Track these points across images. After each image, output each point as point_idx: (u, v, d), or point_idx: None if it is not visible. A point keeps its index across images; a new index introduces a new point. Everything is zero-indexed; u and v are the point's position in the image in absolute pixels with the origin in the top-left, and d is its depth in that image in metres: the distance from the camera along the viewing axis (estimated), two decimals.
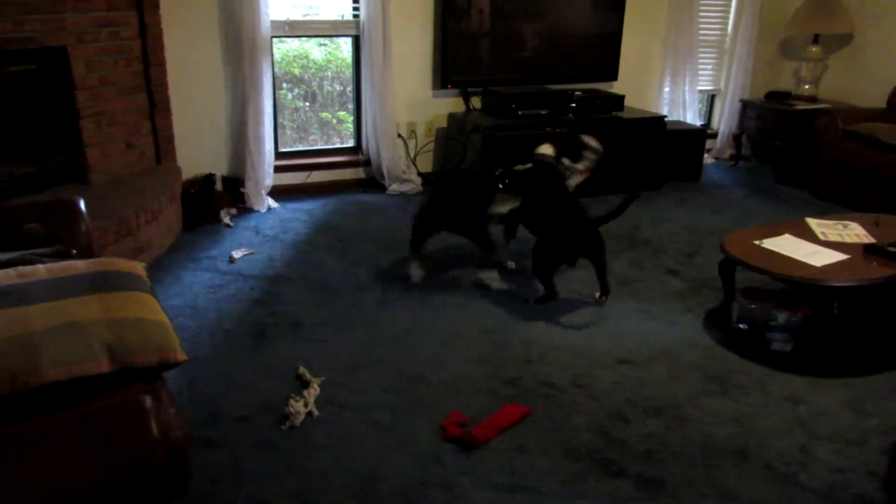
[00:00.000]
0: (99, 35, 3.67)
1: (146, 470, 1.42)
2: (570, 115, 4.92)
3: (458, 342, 2.97)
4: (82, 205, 2.42)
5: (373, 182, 5.01)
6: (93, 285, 1.92)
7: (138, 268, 2.17)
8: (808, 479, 2.20)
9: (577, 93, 5.00)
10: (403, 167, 5.02)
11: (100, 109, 3.75)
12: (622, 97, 5.10)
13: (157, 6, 3.96)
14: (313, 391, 2.54)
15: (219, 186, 4.54)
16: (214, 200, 4.39)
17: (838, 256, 2.99)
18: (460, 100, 5.11)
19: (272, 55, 4.54)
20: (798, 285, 2.91)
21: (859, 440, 2.39)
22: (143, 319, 1.81)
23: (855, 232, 3.29)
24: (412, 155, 5.11)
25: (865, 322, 3.24)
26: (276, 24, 4.47)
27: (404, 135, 5.04)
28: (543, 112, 4.84)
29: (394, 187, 4.93)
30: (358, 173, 5.08)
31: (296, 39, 4.91)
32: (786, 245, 3.10)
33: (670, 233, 4.32)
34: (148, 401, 1.47)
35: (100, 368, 1.74)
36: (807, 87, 5.75)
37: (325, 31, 4.80)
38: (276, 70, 4.73)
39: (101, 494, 1.43)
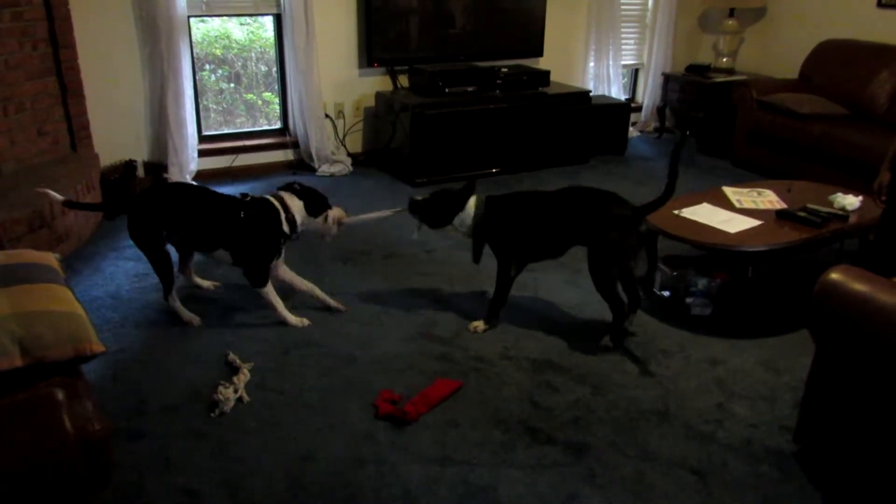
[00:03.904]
0: (0, 16, 3.49)
1: (61, 464, 1.39)
2: (497, 91, 4.95)
3: (388, 320, 2.98)
4: None
5: (302, 164, 4.94)
6: (0, 279, 1.85)
7: (50, 258, 2.10)
8: (725, 435, 2.31)
9: (503, 69, 5.02)
10: (333, 148, 4.97)
11: (6, 95, 3.58)
12: (548, 73, 5.15)
13: None
14: (243, 377, 2.51)
15: (141, 172, 4.39)
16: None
17: (752, 223, 3.12)
18: (388, 78, 5.07)
19: (190, 35, 4.40)
20: (714, 252, 3.02)
21: (772, 396, 2.52)
22: (55, 311, 1.76)
23: (768, 198, 3.43)
24: (341, 135, 5.06)
25: (778, 284, 3.40)
26: (192, 3, 4.33)
27: (332, 115, 4.98)
28: (470, 89, 4.85)
29: (324, 168, 4.87)
30: (287, 155, 5.00)
31: (216, 19, 4.77)
32: (703, 213, 3.21)
33: None
34: (60, 394, 1.43)
35: (12, 363, 1.69)
36: (725, 59, 5.92)
37: (245, 9, 4.67)
38: (196, 51, 4.59)
39: (15, 489, 1.39)
